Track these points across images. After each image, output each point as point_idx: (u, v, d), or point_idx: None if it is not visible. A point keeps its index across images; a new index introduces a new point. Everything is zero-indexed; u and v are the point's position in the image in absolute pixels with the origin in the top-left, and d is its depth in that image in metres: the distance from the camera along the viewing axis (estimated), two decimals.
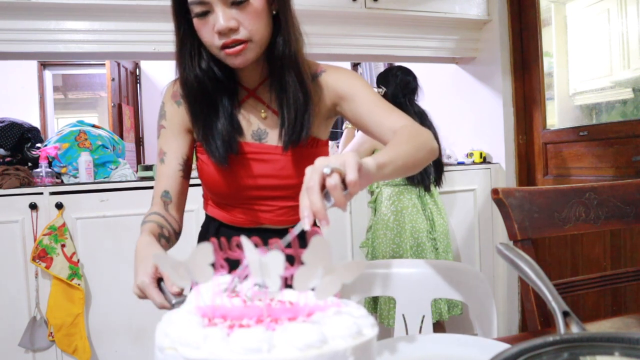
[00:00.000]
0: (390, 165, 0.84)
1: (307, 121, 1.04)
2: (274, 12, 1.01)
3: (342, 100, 1.09)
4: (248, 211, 1.12)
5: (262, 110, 1.09)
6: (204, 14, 0.93)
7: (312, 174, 0.70)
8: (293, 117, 1.03)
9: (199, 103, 1.03)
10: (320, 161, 0.71)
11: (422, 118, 2.38)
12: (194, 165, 1.15)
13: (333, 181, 0.69)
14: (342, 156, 0.72)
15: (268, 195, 1.10)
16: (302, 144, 1.06)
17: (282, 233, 1.12)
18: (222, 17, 0.92)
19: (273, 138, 1.08)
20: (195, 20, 0.95)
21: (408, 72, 2.47)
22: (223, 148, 1.04)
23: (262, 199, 1.10)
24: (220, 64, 1.02)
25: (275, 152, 1.07)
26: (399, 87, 2.41)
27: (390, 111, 1.04)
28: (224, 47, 0.94)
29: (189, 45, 1.00)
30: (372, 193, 2.46)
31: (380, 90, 2.47)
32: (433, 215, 2.36)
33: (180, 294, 0.80)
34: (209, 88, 1.02)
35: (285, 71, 1.03)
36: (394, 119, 1.01)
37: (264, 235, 1.12)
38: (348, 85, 1.08)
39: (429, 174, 2.35)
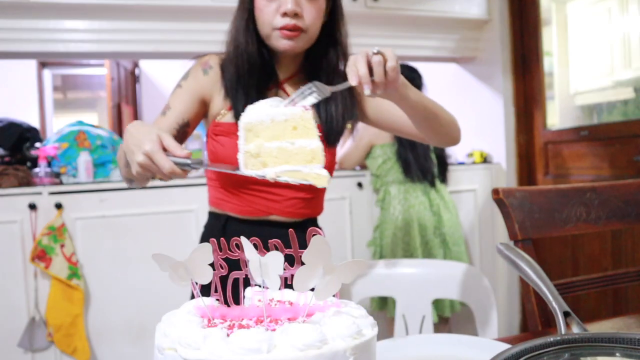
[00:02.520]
0: (415, 93, 1.00)
1: (351, 119, 1.17)
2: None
3: (363, 101, 1.18)
4: (258, 199, 1.13)
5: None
6: None
7: (359, 53, 0.87)
8: (341, 123, 1.13)
9: (250, 76, 1.08)
10: (365, 48, 0.88)
11: None
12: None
13: (377, 59, 0.87)
14: (383, 48, 0.88)
15: (280, 183, 1.11)
16: None
17: (291, 226, 1.15)
18: (292, 0, 1.02)
19: None
20: None
21: (413, 70, 2.47)
22: None
23: (274, 186, 1.12)
24: (265, 49, 1.10)
25: None
26: None
27: None
28: (282, 29, 1.03)
29: (248, 21, 1.08)
30: (377, 191, 2.46)
31: None
32: (440, 211, 2.36)
33: (189, 157, 0.82)
34: (258, 65, 1.09)
35: (335, 79, 1.12)
36: None
37: (273, 228, 1.13)
38: None
39: (430, 171, 2.36)
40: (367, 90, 0.86)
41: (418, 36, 2.73)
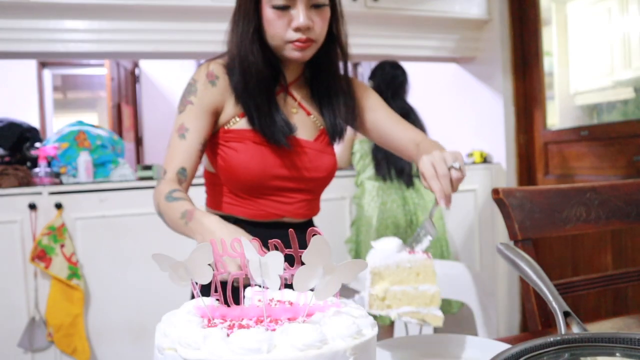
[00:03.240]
0: None
1: (355, 121, 1.17)
2: None
3: (363, 110, 1.19)
4: (271, 203, 1.13)
5: (294, 107, 1.15)
6: (285, 8, 1.02)
7: (441, 163, 0.90)
8: (344, 117, 1.15)
9: (260, 85, 1.07)
10: (443, 155, 0.91)
11: (405, 115, 2.38)
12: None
13: (458, 175, 0.91)
14: (456, 154, 0.92)
15: (293, 187, 1.13)
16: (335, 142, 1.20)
17: (300, 227, 1.16)
18: (304, 15, 1.01)
19: (302, 132, 1.14)
20: (271, 11, 1.03)
21: (397, 67, 2.45)
22: (287, 128, 1.08)
23: (286, 191, 1.13)
24: (267, 55, 1.08)
25: (305, 146, 1.13)
26: (384, 81, 2.40)
27: (407, 124, 1.18)
28: (295, 41, 1.03)
29: (254, 32, 1.06)
30: (358, 187, 2.46)
31: (370, 83, 2.47)
32: (417, 211, 2.34)
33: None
34: (265, 74, 1.08)
35: (336, 78, 1.14)
36: (413, 132, 1.16)
37: (285, 230, 1.13)
38: (369, 97, 1.20)
39: (405, 171, 2.33)
40: (449, 207, 0.90)
41: (418, 36, 2.73)
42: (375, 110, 1.19)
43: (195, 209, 0.92)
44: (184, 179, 1.03)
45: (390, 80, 2.39)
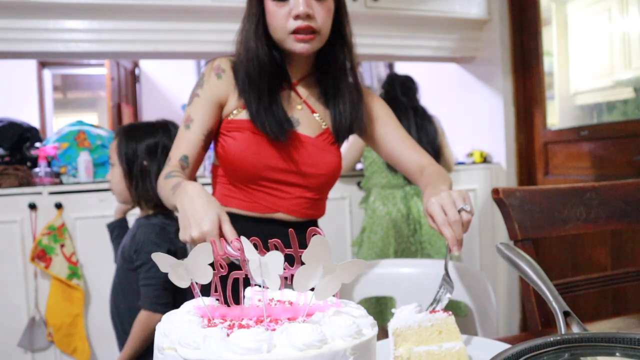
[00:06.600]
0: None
1: (361, 119, 1.18)
2: None
3: (373, 121, 1.21)
4: (266, 195, 1.14)
5: (299, 104, 1.17)
6: None
7: (451, 207, 0.90)
8: (349, 115, 1.15)
9: (262, 79, 1.10)
10: (452, 197, 0.91)
11: (421, 115, 2.37)
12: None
13: (469, 217, 0.92)
14: (463, 194, 0.92)
15: (289, 181, 1.14)
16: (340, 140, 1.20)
17: (295, 226, 1.16)
18: (303, 3, 1.03)
19: (303, 128, 1.16)
20: (271, 3, 1.06)
21: (408, 77, 2.47)
22: (285, 122, 1.10)
23: (283, 184, 1.14)
24: (272, 51, 1.11)
25: (306, 141, 1.15)
26: (399, 82, 2.42)
27: (416, 146, 1.20)
28: (296, 32, 1.05)
29: (257, 26, 1.09)
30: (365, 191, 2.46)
31: (382, 91, 2.47)
32: (421, 219, 2.34)
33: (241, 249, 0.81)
34: (268, 69, 1.10)
35: (342, 77, 1.16)
36: (421, 156, 1.18)
37: (278, 227, 1.14)
38: (384, 110, 1.23)
39: None
40: (459, 251, 0.91)
41: (418, 36, 2.73)
42: (386, 124, 1.21)
43: (186, 181, 0.95)
44: (186, 165, 1.08)
45: (404, 83, 2.42)
